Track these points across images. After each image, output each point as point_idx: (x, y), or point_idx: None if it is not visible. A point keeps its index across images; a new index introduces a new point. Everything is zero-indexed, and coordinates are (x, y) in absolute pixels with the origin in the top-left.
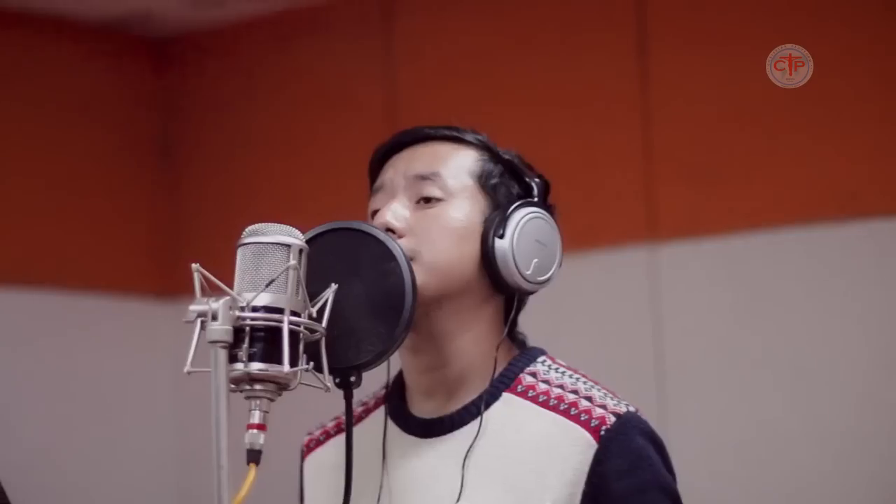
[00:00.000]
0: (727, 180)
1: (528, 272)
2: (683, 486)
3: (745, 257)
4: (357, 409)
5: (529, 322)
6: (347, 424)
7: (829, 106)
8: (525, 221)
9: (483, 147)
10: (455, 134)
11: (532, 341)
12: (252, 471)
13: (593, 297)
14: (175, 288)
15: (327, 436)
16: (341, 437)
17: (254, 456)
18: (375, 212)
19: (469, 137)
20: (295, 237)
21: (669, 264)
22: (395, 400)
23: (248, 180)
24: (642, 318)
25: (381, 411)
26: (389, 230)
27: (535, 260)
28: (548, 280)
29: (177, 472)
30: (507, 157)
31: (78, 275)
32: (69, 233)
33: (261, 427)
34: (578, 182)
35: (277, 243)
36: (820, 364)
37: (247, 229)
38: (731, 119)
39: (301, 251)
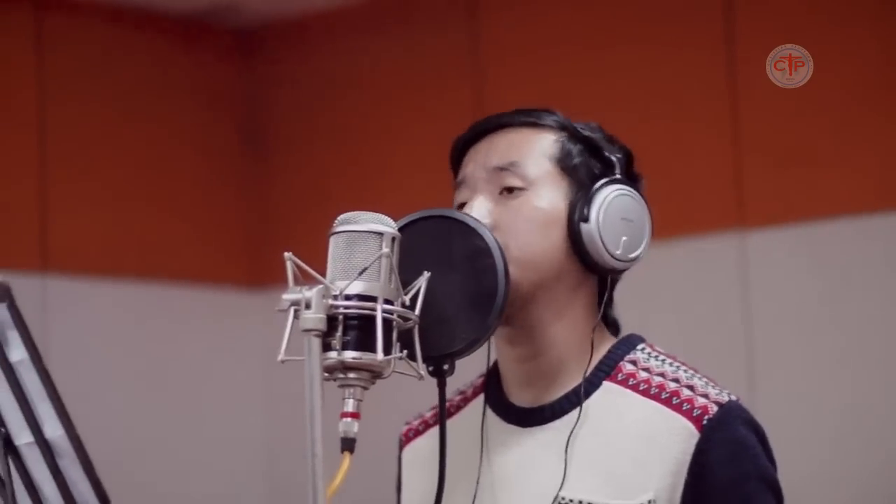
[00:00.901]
0: (816, 167)
1: (619, 252)
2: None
3: (835, 243)
4: (455, 399)
5: (618, 309)
6: (441, 411)
7: None
8: (609, 201)
9: (561, 127)
10: (532, 119)
11: (622, 329)
12: (346, 459)
13: (683, 285)
14: (266, 278)
15: (426, 426)
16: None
17: (348, 444)
18: (461, 206)
19: (546, 120)
20: (387, 225)
21: (759, 251)
22: (494, 389)
23: (338, 170)
24: (732, 304)
25: (479, 400)
26: None
27: (624, 238)
28: (639, 256)
29: (267, 461)
30: (586, 133)
31: (170, 266)
32: (160, 224)
33: (355, 415)
34: (668, 170)
35: (370, 231)
36: None
37: (339, 218)
38: (818, 106)
39: (393, 239)
